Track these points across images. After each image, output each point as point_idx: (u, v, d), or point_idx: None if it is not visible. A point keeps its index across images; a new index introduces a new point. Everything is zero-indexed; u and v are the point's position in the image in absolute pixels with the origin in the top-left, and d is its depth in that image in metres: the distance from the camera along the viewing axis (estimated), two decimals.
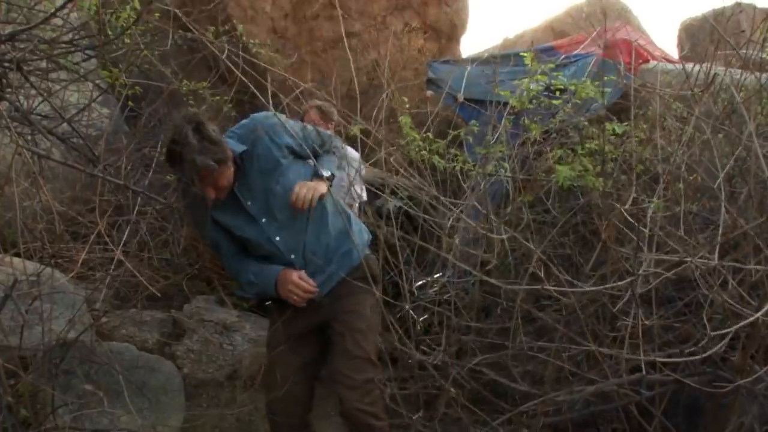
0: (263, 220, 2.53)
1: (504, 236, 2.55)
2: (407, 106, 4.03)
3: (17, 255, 3.24)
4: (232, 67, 2.56)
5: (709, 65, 3.37)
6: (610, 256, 2.69)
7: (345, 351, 2.54)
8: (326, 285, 2.60)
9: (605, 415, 3.18)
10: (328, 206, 2.62)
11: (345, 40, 5.30)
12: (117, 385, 2.92)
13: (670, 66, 5.54)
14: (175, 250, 4.18)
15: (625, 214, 2.38)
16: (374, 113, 3.74)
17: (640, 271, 2.15)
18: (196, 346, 3.66)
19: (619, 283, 2.23)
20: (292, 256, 2.56)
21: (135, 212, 3.07)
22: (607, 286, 2.28)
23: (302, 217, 2.55)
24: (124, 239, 3.64)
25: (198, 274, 4.14)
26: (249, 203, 2.52)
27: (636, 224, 2.29)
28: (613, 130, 3.41)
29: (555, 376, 2.79)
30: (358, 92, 3.07)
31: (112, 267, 3.41)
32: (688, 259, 2.05)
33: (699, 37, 8.66)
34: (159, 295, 3.98)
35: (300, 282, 2.50)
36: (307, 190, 2.48)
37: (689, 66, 3.77)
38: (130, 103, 3.34)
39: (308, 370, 2.67)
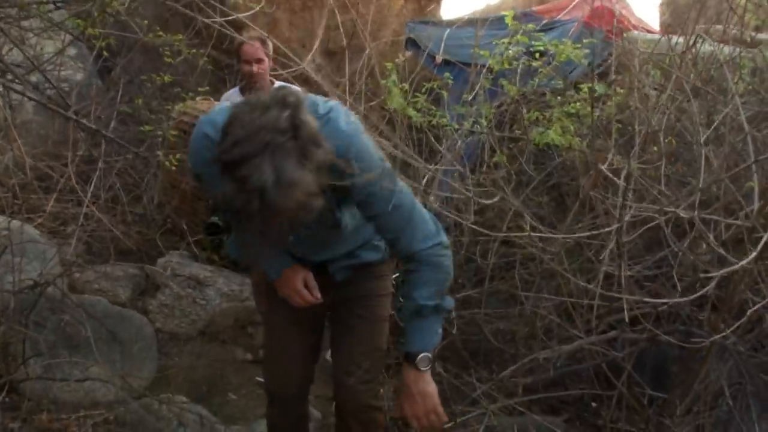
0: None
1: (494, 200, 2.53)
2: (389, 66, 4.00)
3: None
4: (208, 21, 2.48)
5: (689, 34, 3.39)
6: (588, 210, 2.71)
7: (362, 340, 2.15)
8: (343, 272, 2.10)
9: (574, 375, 3.22)
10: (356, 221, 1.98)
11: None
12: (88, 337, 2.92)
13: (650, 36, 5.54)
14: (148, 205, 4.14)
15: (606, 171, 2.38)
16: (357, 69, 3.70)
17: (626, 218, 2.16)
18: (168, 301, 3.63)
19: (604, 230, 2.24)
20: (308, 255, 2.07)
21: (104, 162, 2.99)
22: (593, 233, 2.29)
23: (327, 235, 1.98)
24: (93, 192, 3.60)
25: (171, 229, 4.10)
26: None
27: (616, 179, 2.29)
28: (591, 90, 3.41)
29: (527, 335, 2.81)
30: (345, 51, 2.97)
31: (83, 220, 3.38)
32: (671, 209, 2.06)
33: (680, 10, 8.66)
34: (133, 249, 3.97)
35: (303, 292, 2.03)
36: (425, 413, 1.92)
37: (670, 36, 3.79)
38: (105, 53, 3.27)
39: (314, 351, 2.28)
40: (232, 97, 3.54)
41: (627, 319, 2.24)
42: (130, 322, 3.22)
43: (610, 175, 2.63)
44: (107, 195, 4.09)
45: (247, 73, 3.51)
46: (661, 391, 2.99)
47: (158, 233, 3.99)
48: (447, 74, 4.05)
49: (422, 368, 1.88)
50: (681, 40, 3.56)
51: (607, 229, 2.25)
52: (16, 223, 3.33)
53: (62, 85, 3.95)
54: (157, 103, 4.17)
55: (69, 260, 3.33)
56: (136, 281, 3.74)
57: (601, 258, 2.26)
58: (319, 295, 2.01)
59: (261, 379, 3.48)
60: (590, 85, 3.23)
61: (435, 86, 3.88)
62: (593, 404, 3.24)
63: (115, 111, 3.77)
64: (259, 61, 3.50)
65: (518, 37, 3.88)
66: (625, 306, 2.12)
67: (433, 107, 3.71)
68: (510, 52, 3.92)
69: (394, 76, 3.62)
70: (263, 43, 3.55)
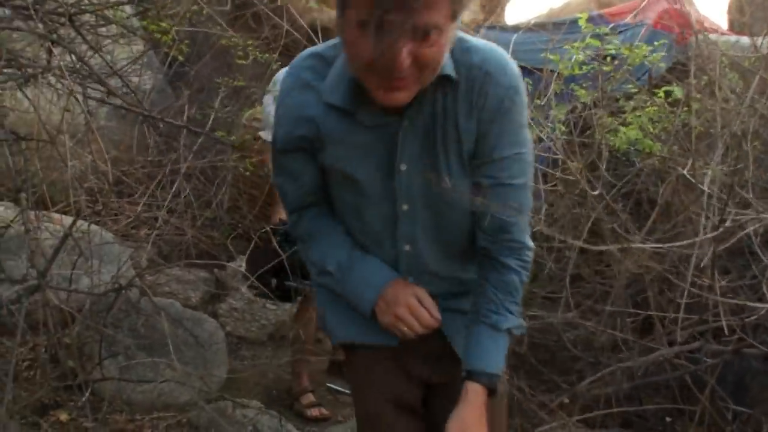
0: (404, 206, 1.47)
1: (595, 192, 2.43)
2: None
3: (65, 212, 3.28)
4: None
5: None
6: (667, 218, 2.62)
7: None
8: (454, 321, 1.57)
9: (649, 388, 3.12)
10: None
11: None
12: (162, 339, 2.95)
13: (725, 37, 5.37)
14: (219, 209, 4.19)
15: (687, 176, 2.30)
16: None
17: (715, 230, 2.07)
18: (239, 305, 3.67)
19: (697, 239, 2.14)
20: (406, 247, 1.52)
21: (184, 166, 3.03)
22: (683, 243, 2.19)
23: (449, 221, 1.50)
24: (164, 196, 3.67)
25: (241, 234, 4.14)
26: (403, 167, 1.44)
27: (702, 186, 2.21)
28: (668, 93, 3.32)
29: (607, 344, 2.73)
30: None
31: (158, 224, 3.43)
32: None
33: (750, 8, 8.40)
34: (204, 253, 4.02)
35: (420, 310, 1.48)
36: None
37: (746, 38, 3.65)
38: (180, 58, 3.33)
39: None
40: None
41: (726, 330, 2.14)
42: (202, 325, 3.25)
43: (694, 181, 2.54)
44: (178, 199, 4.16)
45: None
46: (742, 406, 2.87)
47: (228, 238, 4.03)
48: (527, 79, 3.98)
49: (489, 391, 1.44)
50: (762, 41, 3.43)
51: (700, 238, 2.15)
52: (92, 227, 3.41)
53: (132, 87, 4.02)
54: (228, 109, 4.22)
55: (143, 264, 3.38)
56: (206, 285, 3.79)
57: (689, 268, 2.17)
58: (439, 316, 1.49)
59: (332, 386, 3.48)
60: (669, 88, 3.14)
61: None
62: (668, 419, 3.14)
63: (188, 118, 3.83)
64: None
65: (588, 40, 3.79)
66: (721, 313, 2.03)
67: None
68: (581, 56, 3.83)
69: None
70: None
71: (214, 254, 3.89)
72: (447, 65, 1.34)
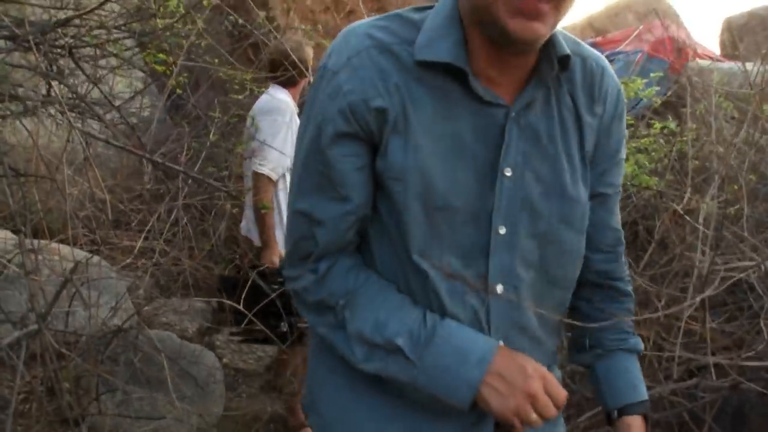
0: (502, 229, 1.12)
1: None
2: None
3: (63, 242, 3.27)
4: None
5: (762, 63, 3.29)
6: (669, 255, 2.63)
7: None
8: None
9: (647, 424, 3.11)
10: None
11: None
12: (159, 373, 2.94)
13: (719, 65, 5.44)
14: (216, 240, 4.19)
15: (681, 212, 2.31)
16: None
17: (711, 271, 2.08)
18: (236, 337, 3.65)
19: (686, 303, 2.15)
20: (498, 289, 1.14)
21: (182, 201, 3.03)
22: (676, 291, 2.21)
23: (562, 250, 1.17)
24: (161, 227, 3.66)
25: (238, 265, 4.14)
26: (508, 171, 1.11)
27: (695, 224, 2.22)
28: (663, 127, 3.35)
29: None
30: None
31: (156, 255, 3.43)
32: (762, 262, 1.98)
33: (743, 34, 8.51)
34: (201, 284, 4.02)
35: (545, 396, 1.08)
36: None
37: (743, 65, 3.68)
38: (179, 90, 3.35)
39: None
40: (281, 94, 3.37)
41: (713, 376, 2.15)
42: (198, 357, 3.24)
43: (690, 220, 2.56)
44: (174, 229, 4.16)
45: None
46: None
47: (225, 268, 4.03)
48: None
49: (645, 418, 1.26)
50: (753, 68, 3.47)
51: (690, 298, 2.17)
52: (85, 255, 3.41)
53: (131, 120, 4.05)
54: (224, 140, 4.24)
55: (141, 295, 3.37)
56: (203, 316, 3.78)
57: (681, 310, 2.18)
58: (564, 398, 1.09)
59: None
60: (665, 123, 3.17)
61: None
62: None
63: (186, 148, 3.84)
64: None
65: None
66: (711, 368, 2.03)
67: None
68: None
69: None
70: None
71: (212, 285, 3.89)
72: (562, 43, 1.09)
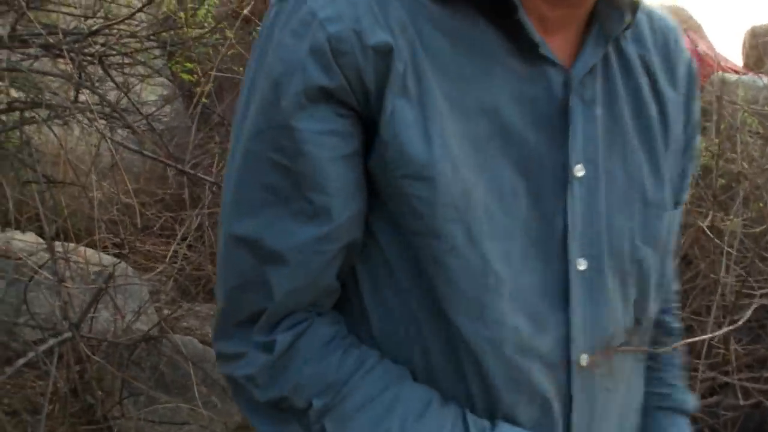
0: (582, 263, 0.73)
1: None
2: None
3: (88, 246, 3.32)
4: None
5: None
6: (692, 271, 2.64)
7: None
8: None
9: None
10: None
11: None
12: (181, 378, 2.97)
13: (743, 78, 5.41)
14: None
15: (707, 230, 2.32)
16: None
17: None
18: None
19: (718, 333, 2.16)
20: (582, 360, 0.74)
21: (207, 209, 3.08)
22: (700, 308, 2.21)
23: (648, 285, 0.80)
24: (190, 233, 3.71)
25: None
26: (579, 170, 0.73)
27: (719, 242, 2.23)
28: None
29: None
30: None
31: (180, 260, 3.47)
32: None
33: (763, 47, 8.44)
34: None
35: None
36: None
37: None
38: (204, 100, 3.40)
39: None
40: None
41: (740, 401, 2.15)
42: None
43: (713, 236, 2.56)
44: (195, 233, 4.20)
45: None
46: None
47: None
48: None
49: None
50: None
51: (714, 316, 2.17)
52: (112, 260, 3.45)
53: (157, 126, 4.10)
54: None
55: (164, 301, 3.42)
56: None
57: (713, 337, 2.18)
58: None
59: None
60: None
61: None
62: None
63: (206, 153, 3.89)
64: None
65: None
66: (738, 392, 2.04)
67: None
68: None
69: None
70: None
71: None
72: None
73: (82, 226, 3.54)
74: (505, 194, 0.70)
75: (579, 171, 0.73)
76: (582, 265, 0.73)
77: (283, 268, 0.69)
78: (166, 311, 3.77)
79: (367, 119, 0.68)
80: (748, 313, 1.82)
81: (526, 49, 0.70)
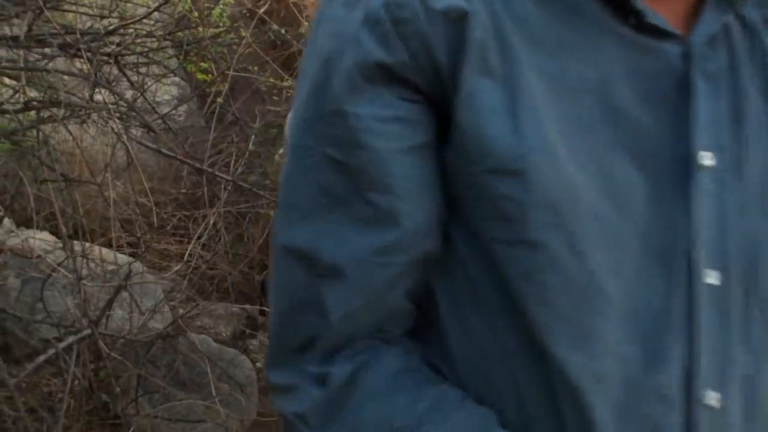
0: (711, 275, 0.58)
1: None
2: None
3: (104, 245, 3.34)
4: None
5: None
6: None
7: None
8: None
9: None
10: None
11: None
12: (196, 376, 2.98)
13: None
14: (251, 245, 4.24)
15: None
16: None
17: None
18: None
19: None
20: (712, 400, 0.57)
21: (223, 208, 3.09)
22: None
23: None
24: (204, 233, 3.72)
25: None
26: (706, 158, 0.58)
27: None
28: None
29: None
30: None
31: (195, 259, 3.48)
32: None
33: None
34: (237, 288, 4.06)
35: None
36: None
37: None
38: (219, 100, 3.41)
39: None
40: None
41: None
42: (237, 364, 3.28)
43: None
44: (210, 233, 4.21)
45: None
46: None
47: (263, 273, 4.06)
48: None
49: None
50: None
51: None
52: (128, 259, 3.47)
53: (173, 126, 4.11)
54: (262, 146, 4.30)
55: (178, 299, 3.43)
56: (238, 320, 3.82)
57: None
58: None
59: None
60: None
61: None
62: None
63: (219, 152, 3.91)
64: None
65: None
66: None
67: None
68: None
69: None
70: None
71: (247, 289, 3.94)
72: None
73: (97, 225, 3.57)
74: (617, 192, 0.56)
75: (706, 160, 0.58)
76: (711, 278, 0.58)
77: (340, 284, 0.58)
78: (181, 310, 3.79)
79: (439, 103, 0.56)
80: None
81: (634, 14, 0.58)
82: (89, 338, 2.06)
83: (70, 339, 1.99)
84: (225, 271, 3.64)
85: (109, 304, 2.24)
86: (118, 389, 2.48)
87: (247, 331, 3.82)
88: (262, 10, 2.85)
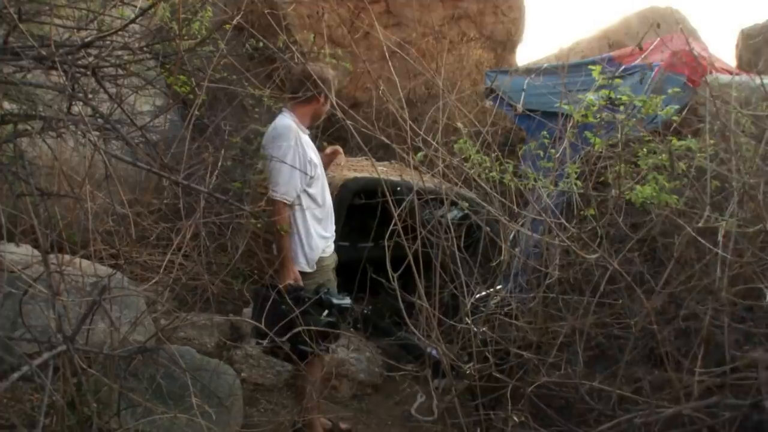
0: None
1: (593, 257, 2.49)
2: (465, 118, 4.00)
3: (84, 257, 3.31)
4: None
5: None
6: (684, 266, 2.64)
7: None
8: None
9: None
10: None
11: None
12: (179, 388, 2.96)
13: (737, 78, 5.42)
14: (233, 254, 4.23)
15: (693, 233, 2.32)
16: (431, 122, 3.73)
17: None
18: (254, 351, 3.67)
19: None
20: None
21: (202, 219, 3.07)
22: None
23: None
24: (185, 243, 3.70)
25: (257, 280, 4.16)
26: None
27: (710, 246, 2.23)
28: (680, 145, 3.34)
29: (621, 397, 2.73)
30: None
31: (175, 269, 3.46)
32: None
33: (761, 46, 8.46)
34: (219, 299, 4.04)
35: None
36: None
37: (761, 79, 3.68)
38: (196, 112, 3.41)
39: None
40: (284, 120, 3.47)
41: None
42: (220, 375, 3.26)
43: (704, 242, 2.57)
44: (192, 243, 4.19)
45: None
46: None
47: (244, 284, 4.06)
48: (544, 133, 4.01)
49: None
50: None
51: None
52: (107, 271, 3.44)
53: (151, 137, 4.09)
54: (241, 156, 4.28)
55: (160, 311, 3.41)
56: (221, 330, 3.80)
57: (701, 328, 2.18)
58: None
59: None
60: (684, 142, 3.19)
61: (530, 147, 3.88)
62: None
63: (201, 162, 3.88)
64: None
65: (602, 91, 3.82)
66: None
67: (513, 164, 3.70)
68: (594, 107, 3.87)
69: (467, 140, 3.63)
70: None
71: (229, 300, 3.92)
72: None
73: (78, 237, 3.54)
74: None
75: None
76: None
77: None
78: (162, 321, 3.76)
79: None
80: None
81: None
82: (64, 354, 2.03)
83: (45, 355, 1.96)
84: (208, 281, 3.62)
85: (84, 320, 2.22)
86: (96, 405, 2.44)
87: (228, 342, 3.80)
88: (234, 21, 2.83)
